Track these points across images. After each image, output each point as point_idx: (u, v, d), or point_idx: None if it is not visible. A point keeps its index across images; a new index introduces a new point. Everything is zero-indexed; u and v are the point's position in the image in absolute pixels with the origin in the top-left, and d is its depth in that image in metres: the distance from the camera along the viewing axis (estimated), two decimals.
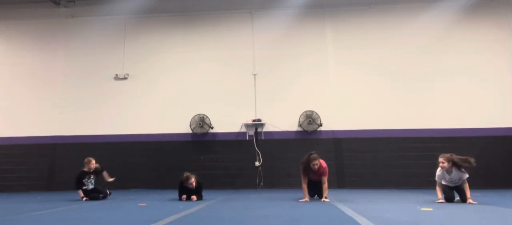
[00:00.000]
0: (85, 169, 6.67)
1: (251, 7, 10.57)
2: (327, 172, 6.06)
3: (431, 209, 4.77)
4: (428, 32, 10.05)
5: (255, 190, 9.28)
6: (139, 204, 5.73)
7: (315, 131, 9.61)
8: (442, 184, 5.70)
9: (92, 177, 6.70)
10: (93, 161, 6.72)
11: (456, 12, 10.12)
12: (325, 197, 5.94)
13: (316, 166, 5.92)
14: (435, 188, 5.83)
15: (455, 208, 4.94)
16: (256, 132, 9.84)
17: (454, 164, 5.51)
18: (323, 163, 6.09)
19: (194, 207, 5.20)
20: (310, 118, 9.60)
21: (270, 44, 10.30)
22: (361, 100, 9.79)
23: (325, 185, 6.00)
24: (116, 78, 10.41)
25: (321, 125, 9.62)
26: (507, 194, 7.34)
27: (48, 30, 10.85)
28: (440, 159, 5.60)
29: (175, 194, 6.56)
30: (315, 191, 6.35)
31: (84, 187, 6.60)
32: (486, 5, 10.08)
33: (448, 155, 5.57)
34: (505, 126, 9.33)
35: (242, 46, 10.35)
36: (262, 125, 9.85)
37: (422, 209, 4.77)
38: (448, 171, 5.58)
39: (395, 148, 9.43)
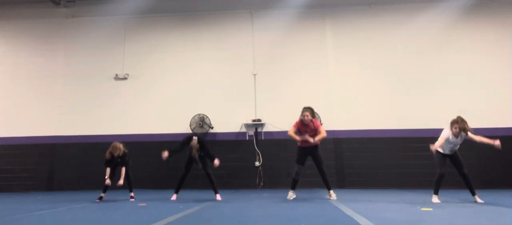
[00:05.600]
0: (115, 155, 6.60)
1: (251, 7, 10.56)
2: (320, 125, 6.40)
3: (431, 209, 4.77)
4: (428, 32, 10.05)
5: (255, 190, 9.28)
6: (139, 204, 5.73)
7: None
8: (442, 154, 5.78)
9: (119, 161, 6.67)
10: (118, 149, 6.62)
11: (456, 12, 10.12)
12: (316, 140, 6.23)
13: (307, 117, 6.22)
14: (434, 187, 5.82)
15: (455, 208, 4.95)
16: (256, 132, 9.84)
17: (463, 131, 5.70)
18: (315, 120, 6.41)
19: (194, 207, 5.20)
20: None
21: (270, 44, 10.30)
22: (361, 100, 9.79)
23: (320, 135, 6.26)
24: (116, 78, 10.41)
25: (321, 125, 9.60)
26: (506, 194, 7.34)
27: (48, 30, 10.85)
28: (456, 125, 5.68)
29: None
30: (309, 154, 6.45)
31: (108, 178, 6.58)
32: (486, 5, 10.08)
33: (463, 124, 5.67)
34: (505, 126, 9.33)
35: (242, 46, 10.35)
36: (262, 125, 9.85)
37: (422, 209, 4.77)
38: (455, 135, 5.72)
39: (395, 148, 9.43)
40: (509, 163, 9.13)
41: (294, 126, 6.35)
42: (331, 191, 6.42)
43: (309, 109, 6.27)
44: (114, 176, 6.72)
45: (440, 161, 5.81)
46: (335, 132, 9.68)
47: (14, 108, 10.38)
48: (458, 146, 5.83)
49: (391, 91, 9.80)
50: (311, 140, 6.18)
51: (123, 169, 6.67)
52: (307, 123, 6.30)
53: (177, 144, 6.69)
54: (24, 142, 10.08)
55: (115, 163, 6.66)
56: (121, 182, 6.57)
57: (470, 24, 10.05)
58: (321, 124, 9.49)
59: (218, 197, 6.45)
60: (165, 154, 6.40)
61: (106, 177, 6.54)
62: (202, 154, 6.52)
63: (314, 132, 6.30)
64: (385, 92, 9.80)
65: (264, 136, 9.86)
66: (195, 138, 6.48)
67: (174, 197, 6.57)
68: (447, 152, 5.80)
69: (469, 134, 5.71)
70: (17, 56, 10.73)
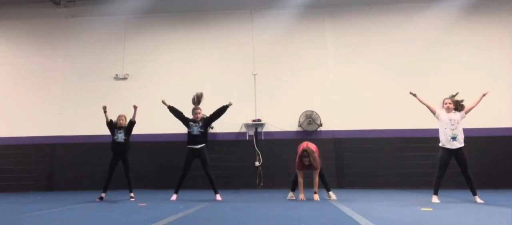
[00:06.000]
0: (117, 124, 6.84)
1: (251, 7, 10.56)
2: (319, 166, 6.07)
3: (431, 209, 4.77)
4: (428, 32, 10.05)
5: (255, 190, 9.28)
6: (139, 204, 5.73)
7: (315, 131, 9.61)
8: (441, 164, 5.73)
9: (122, 131, 6.79)
10: (123, 117, 6.90)
11: (456, 12, 10.11)
12: (315, 192, 6.06)
13: (307, 163, 6.05)
14: (434, 187, 5.79)
15: (455, 208, 4.95)
16: (256, 132, 9.84)
17: (457, 108, 5.84)
18: (317, 157, 6.06)
19: (194, 207, 5.20)
20: (310, 118, 9.60)
21: (270, 44, 10.30)
22: (361, 100, 9.78)
23: (316, 179, 6.10)
24: (116, 78, 10.41)
25: (321, 125, 9.62)
26: (507, 194, 7.34)
27: (48, 30, 10.84)
28: (448, 100, 5.87)
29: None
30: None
31: (114, 137, 6.78)
32: (486, 5, 10.08)
33: (455, 99, 5.86)
34: (505, 126, 9.33)
35: (242, 46, 10.34)
36: (262, 125, 9.85)
37: (422, 209, 4.77)
38: (449, 111, 5.82)
39: (395, 148, 9.43)
40: (510, 163, 9.13)
41: (297, 166, 6.14)
42: (330, 192, 6.42)
43: (308, 156, 5.91)
44: (116, 170, 6.80)
45: (441, 162, 5.74)
46: (335, 132, 9.68)
47: (14, 108, 10.37)
48: (457, 128, 5.67)
49: (391, 91, 9.78)
50: (316, 198, 6.01)
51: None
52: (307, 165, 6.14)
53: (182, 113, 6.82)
54: (24, 142, 10.07)
55: (117, 129, 6.82)
56: (136, 105, 6.89)
57: (470, 24, 10.05)
58: (321, 125, 9.61)
59: (218, 197, 6.45)
60: (166, 102, 6.81)
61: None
62: (203, 131, 6.62)
63: (313, 168, 6.12)
64: (385, 92, 9.79)
65: (264, 136, 9.86)
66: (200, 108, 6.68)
67: (174, 197, 6.57)
68: (449, 141, 5.68)
69: (466, 108, 5.79)
70: (17, 56, 10.72)
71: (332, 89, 9.96)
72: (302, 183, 6.16)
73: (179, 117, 6.80)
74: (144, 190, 8.93)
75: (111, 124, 6.89)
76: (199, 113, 6.69)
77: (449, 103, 5.83)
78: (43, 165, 9.98)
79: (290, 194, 6.51)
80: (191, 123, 6.63)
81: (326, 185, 6.44)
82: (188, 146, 6.61)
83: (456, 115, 5.79)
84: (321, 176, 6.29)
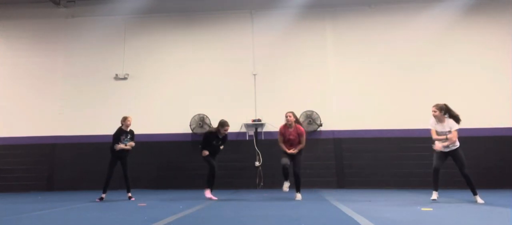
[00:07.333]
0: (123, 127, 6.84)
1: (251, 7, 10.56)
2: (304, 132, 6.56)
3: (431, 209, 4.77)
4: (428, 32, 10.05)
5: (255, 190, 9.28)
6: (139, 204, 5.74)
7: (315, 131, 9.61)
8: (436, 153, 5.78)
9: (128, 137, 6.82)
10: (130, 118, 6.88)
11: (456, 12, 10.11)
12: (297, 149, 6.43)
13: (290, 118, 6.47)
14: (433, 183, 5.79)
15: (455, 208, 4.95)
16: (256, 132, 9.84)
17: (446, 111, 5.83)
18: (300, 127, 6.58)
19: (194, 207, 5.20)
20: (310, 118, 9.60)
21: (270, 44, 10.30)
22: (361, 100, 9.78)
23: (301, 145, 6.50)
24: (116, 78, 10.41)
25: (321, 125, 9.62)
26: (507, 194, 7.34)
27: (48, 30, 10.85)
28: (432, 108, 5.92)
29: (175, 194, 6.58)
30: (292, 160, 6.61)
31: (120, 144, 6.75)
32: (486, 5, 10.07)
33: (441, 104, 5.91)
34: (505, 126, 9.33)
35: (242, 46, 10.34)
36: (262, 125, 9.85)
37: (422, 209, 4.77)
38: (440, 120, 5.81)
39: (395, 148, 9.43)
40: (509, 163, 9.13)
41: (280, 133, 6.63)
42: (298, 194, 6.53)
43: (291, 112, 6.61)
44: (116, 171, 6.83)
45: (435, 155, 5.81)
46: (335, 132, 9.68)
47: (14, 108, 10.37)
48: (449, 132, 5.68)
49: (391, 90, 9.78)
50: (294, 151, 6.48)
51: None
52: (291, 126, 6.50)
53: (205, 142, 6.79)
54: (24, 142, 10.07)
55: (124, 135, 6.80)
56: (132, 143, 6.88)
57: (470, 24, 10.04)
58: (321, 125, 9.61)
59: (208, 192, 6.59)
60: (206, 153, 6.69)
61: (119, 146, 6.71)
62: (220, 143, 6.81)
63: (297, 136, 6.50)
64: (385, 92, 9.79)
65: (264, 136, 9.86)
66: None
67: (208, 193, 6.58)
68: (441, 147, 5.73)
69: (452, 121, 5.72)
70: (17, 56, 10.73)
71: (332, 89, 9.96)
72: (284, 146, 6.59)
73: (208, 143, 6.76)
74: (144, 190, 8.94)
75: (118, 135, 6.80)
76: (227, 130, 6.77)
77: (433, 111, 5.88)
78: (43, 165, 9.98)
79: (285, 184, 6.55)
80: (214, 140, 6.72)
81: (297, 185, 6.53)
82: (205, 150, 6.67)
83: (447, 126, 5.76)
84: (297, 176, 6.48)
